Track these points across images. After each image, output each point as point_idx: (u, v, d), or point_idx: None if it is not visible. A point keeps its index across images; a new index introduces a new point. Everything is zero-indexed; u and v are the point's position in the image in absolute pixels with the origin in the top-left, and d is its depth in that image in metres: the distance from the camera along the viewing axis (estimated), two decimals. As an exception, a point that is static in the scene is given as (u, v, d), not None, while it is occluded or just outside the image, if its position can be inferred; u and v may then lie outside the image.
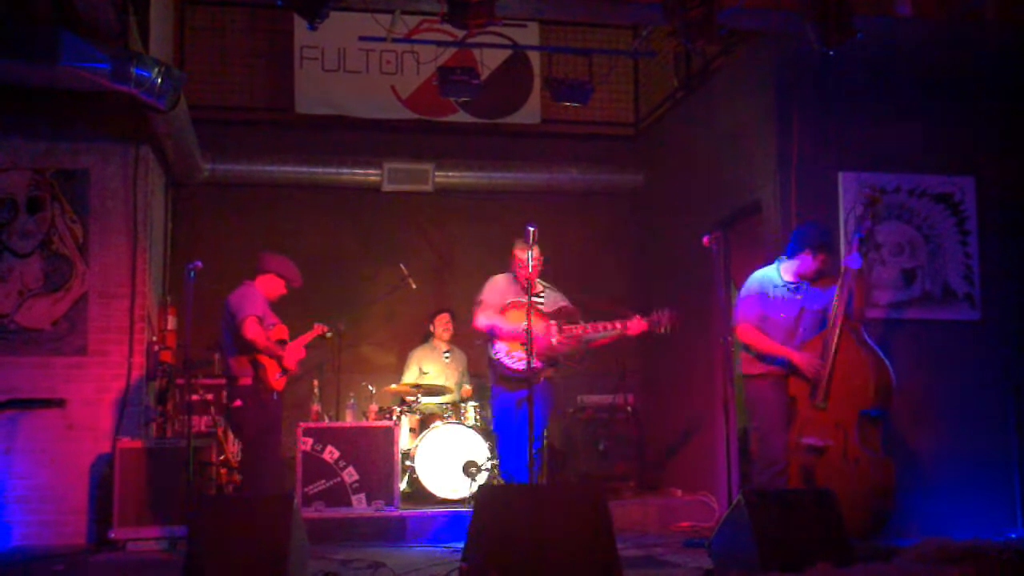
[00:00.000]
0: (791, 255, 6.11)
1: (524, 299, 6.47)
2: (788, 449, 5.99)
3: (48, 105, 7.21)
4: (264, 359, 6.38)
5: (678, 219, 8.84)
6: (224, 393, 6.42)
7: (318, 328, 6.87)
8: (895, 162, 6.97)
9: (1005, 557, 5.04)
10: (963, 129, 7.08)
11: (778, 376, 6.04)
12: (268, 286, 6.60)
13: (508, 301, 6.88)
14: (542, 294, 6.93)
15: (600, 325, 6.62)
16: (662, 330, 6.55)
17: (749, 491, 5.03)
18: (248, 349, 6.34)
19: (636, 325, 6.62)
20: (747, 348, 6.07)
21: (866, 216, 6.13)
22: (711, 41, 6.08)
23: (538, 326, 6.43)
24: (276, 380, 6.43)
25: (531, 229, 5.37)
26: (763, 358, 6.05)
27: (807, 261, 6.06)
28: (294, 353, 6.52)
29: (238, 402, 6.41)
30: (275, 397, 6.47)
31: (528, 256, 6.42)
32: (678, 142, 9.05)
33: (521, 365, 6.60)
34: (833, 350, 5.89)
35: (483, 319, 6.86)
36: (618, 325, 6.61)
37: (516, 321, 6.63)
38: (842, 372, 5.89)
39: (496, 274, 7.17)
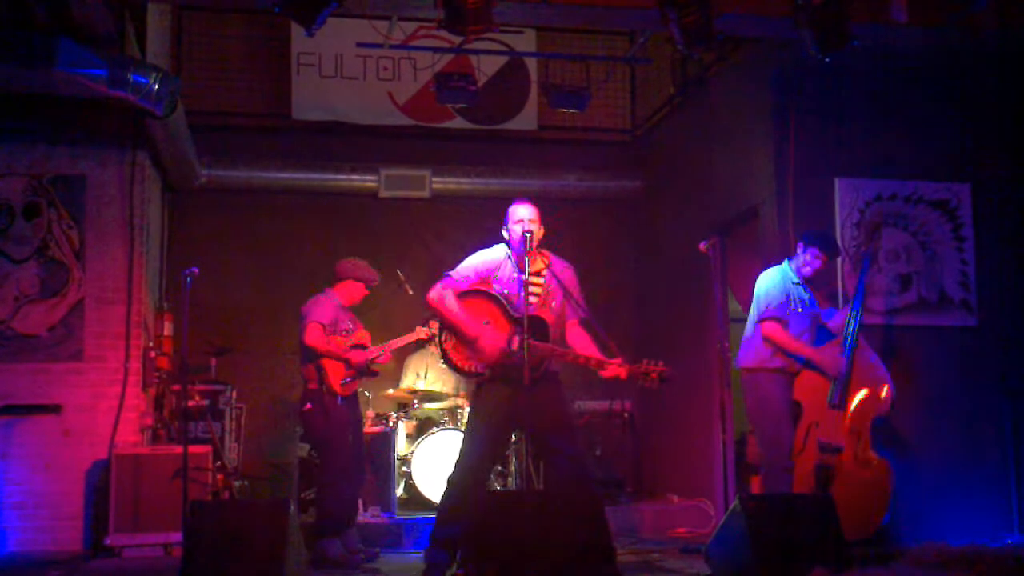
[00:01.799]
0: (800, 253, 6.14)
1: (503, 287, 5.35)
2: (795, 450, 6.00)
3: (45, 111, 7.21)
4: (328, 364, 6.39)
5: (675, 225, 8.85)
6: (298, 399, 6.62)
7: (419, 331, 6.76)
8: (891, 168, 6.98)
9: (1002, 562, 5.05)
10: (959, 136, 7.09)
11: (789, 375, 6.03)
12: (347, 292, 6.64)
13: (477, 277, 5.42)
14: (542, 273, 5.42)
15: (571, 353, 5.27)
16: (648, 384, 5.13)
17: (746, 496, 5.03)
18: (311, 354, 6.39)
19: (613, 371, 5.13)
20: (773, 343, 6.00)
21: (872, 239, 6.31)
22: (707, 47, 6.09)
23: (494, 330, 5.29)
24: (340, 385, 6.43)
25: (528, 234, 5.32)
26: (786, 356, 6.04)
27: (814, 261, 6.09)
28: (362, 356, 6.48)
29: (308, 405, 6.45)
30: (340, 402, 6.47)
31: (526, 215, 5.36)
32: (675, 148, 9.06)
33: (468, 366, 5.34)
34: (852, 356, 5.96)
35: (435, 296, 5.35)
36: (593, 363, 5.20)
37: (472, 314, 5.32)
38: (861, 379, 5.96)
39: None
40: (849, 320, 6.05)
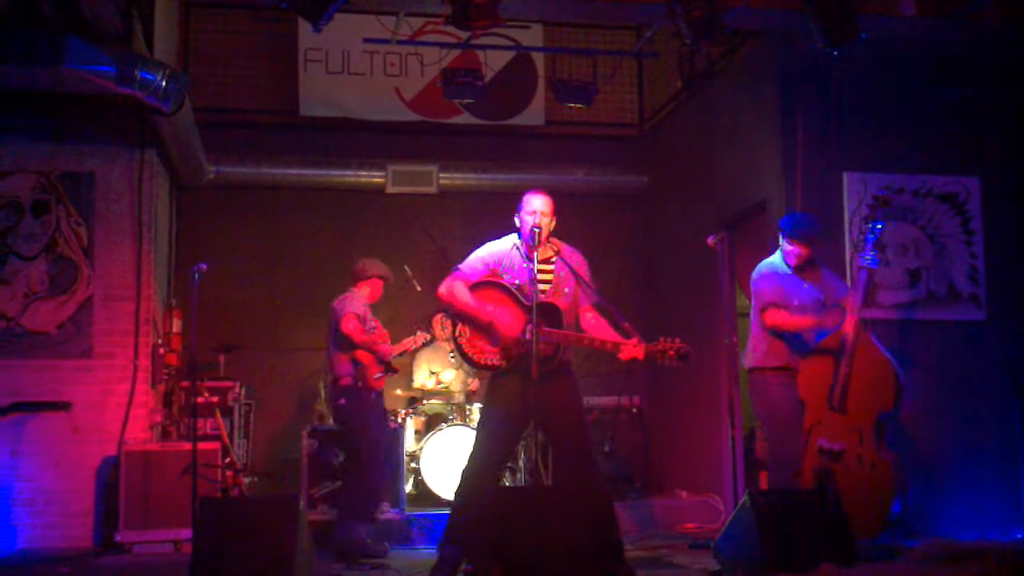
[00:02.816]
0: (781, 245, 5.98)
1: (512, 277, 5.30)
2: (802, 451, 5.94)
3: (53, 108, 7.23)
4: (363, 358, 6.61)
5: (683, 220, 8.84)
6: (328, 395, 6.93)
7: (421, 336, 7.08)
8: (899, 162, 6.97)
9: (1010, 556, 5.04)
10: (967, 129, 7.08)
11: (792, 373, 5.89)
12: (371, 290, 6.91)
13: (486, 268, 5.37)
14: (552, 261, 5.36)
15: (587, 338, 5.24)
16: (667, 363, 5.10)
17: (754, 492, 5.02)
18: (347, 346, 6.58)
19: (630, 352, 5.10)
20: (777, 332, 5.85)
21: (879, 217, 6.05)
22: (714, 41, 6.07)
23: (507, 316, 5.22)
24: (374, 380, 6.66)
25: (536, 230, 5.30)
26: (795, 340, 5.87)
27: (793, 249, 5.90)
28: (390, 349, 6.82)
29: (342, 400, 6.66)
30: (373, 396, 6.73)
31: (539, 207, 5.29)
32: (683, 143, 9.05)
33: (485, 359, 5.28)
34: (851, 352, 5.79)
35: (444, 289, 5.31)
36: (609, 346, 5.15)
37: (485, 303, 5.27)
38: (862, 375, 5.80)
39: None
40: (849, 307, 5.82)
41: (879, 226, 5.98)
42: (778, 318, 5.85)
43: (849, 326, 5.79)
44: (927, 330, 6.84)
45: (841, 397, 5.80)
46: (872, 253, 5.89)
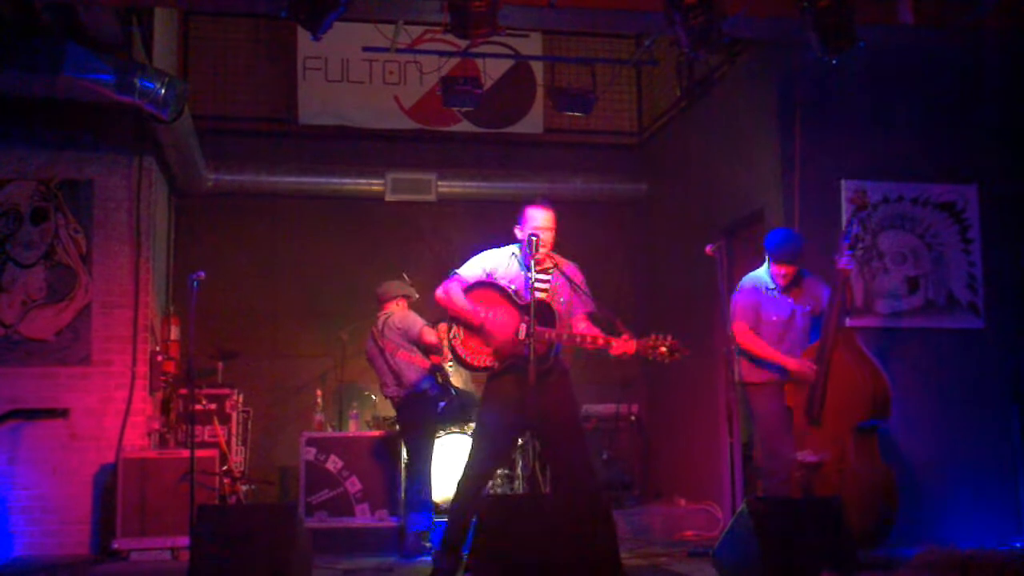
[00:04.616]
0: (768, 263, 6.06)
1: (509, 282, 5.36)
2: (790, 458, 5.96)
3: (52, 116, 7.24)
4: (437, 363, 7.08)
5: (681, 228, 8.85)
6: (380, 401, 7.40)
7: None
8: (898, 170, 6.97)
9: (1009, 566, 5.03)
10: (966, 137, 7.08)
11: (777, 385, 5.96)
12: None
13: (484, 274, 5.44)
14: (549, 271, 5.43)
15: (578, 336, 5.24)
16: (658, 358, 5.14)
17: (753, 500, 5.01)
18: (426, 355, 7.02)
19: (621, 346, 5.14)
20: (742, 351, 5.96)
21: (854, 219, 6.01)
22: (713, 50, 6.08)
23: (501, 316, 5.29)
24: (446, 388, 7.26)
25: (534, 239, 5.30)
26: (759, 362, 5.96)
27: (778, 270, 5.98)
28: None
29: (416, 408, 7.02)
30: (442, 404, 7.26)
31: (541, 222, 5.36)
32: (681, 151, 9.05)
33: (479, 361, 5.32)
34: (827, 361, 5.76)
35: (441, 292, 5.38)
36: (600, 342, 5.18)
37: (479, 303, 5.34)
38: (837, 385, 5.75)
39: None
40: (827, 313, 5.84)
41: (854, 230, 5.95)
42: (744, 338, 5.97)
43: (828, 333, 5.82)
44: (925, 338, 6.84)
45: (818, 408, 5.78)
46: (848, 255, 5.83)
